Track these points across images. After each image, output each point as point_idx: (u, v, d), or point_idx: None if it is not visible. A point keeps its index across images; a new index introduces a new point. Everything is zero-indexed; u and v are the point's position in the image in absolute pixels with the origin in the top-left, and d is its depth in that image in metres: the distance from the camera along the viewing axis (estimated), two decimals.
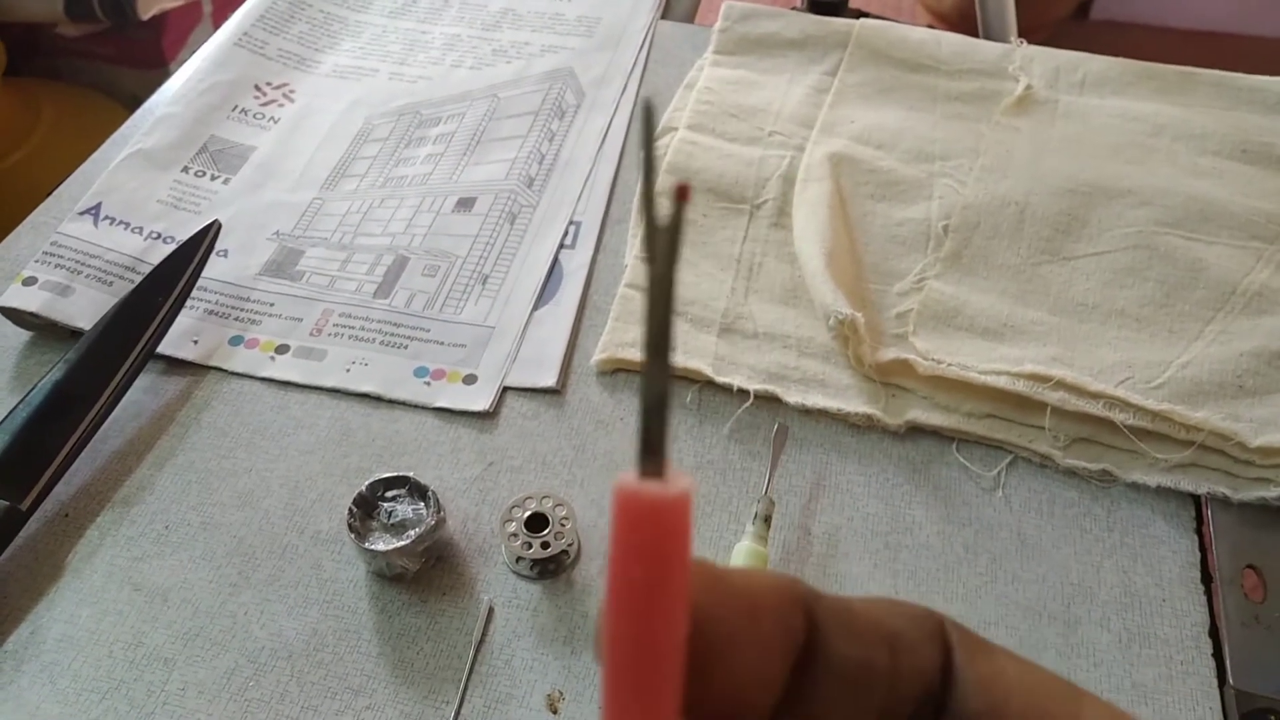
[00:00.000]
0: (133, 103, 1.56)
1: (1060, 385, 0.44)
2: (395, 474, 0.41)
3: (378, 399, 0.47)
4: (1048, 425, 0.44)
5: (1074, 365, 0.46)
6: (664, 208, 0.14)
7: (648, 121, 0.15)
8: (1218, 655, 0.39)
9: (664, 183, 0.55)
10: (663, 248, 0.14)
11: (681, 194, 0.14)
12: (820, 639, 0.16)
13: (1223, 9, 1.97)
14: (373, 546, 0.39)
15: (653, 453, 0.14)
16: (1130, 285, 0.50)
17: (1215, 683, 0.38)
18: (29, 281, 0.50)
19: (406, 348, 0.49)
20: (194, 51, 1.61)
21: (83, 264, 0.51)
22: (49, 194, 0.58)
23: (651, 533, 0.13)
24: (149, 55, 1.51)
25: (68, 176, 0.58)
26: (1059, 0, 1.93)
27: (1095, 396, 0.44)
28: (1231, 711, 0.37)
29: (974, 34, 0.69)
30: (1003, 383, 0.45)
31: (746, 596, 0.15)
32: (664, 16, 0.71)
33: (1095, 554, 0.42)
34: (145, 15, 1.40)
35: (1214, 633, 0.39)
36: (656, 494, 0.13)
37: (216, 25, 1.57)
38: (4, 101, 1.38)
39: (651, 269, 0.14)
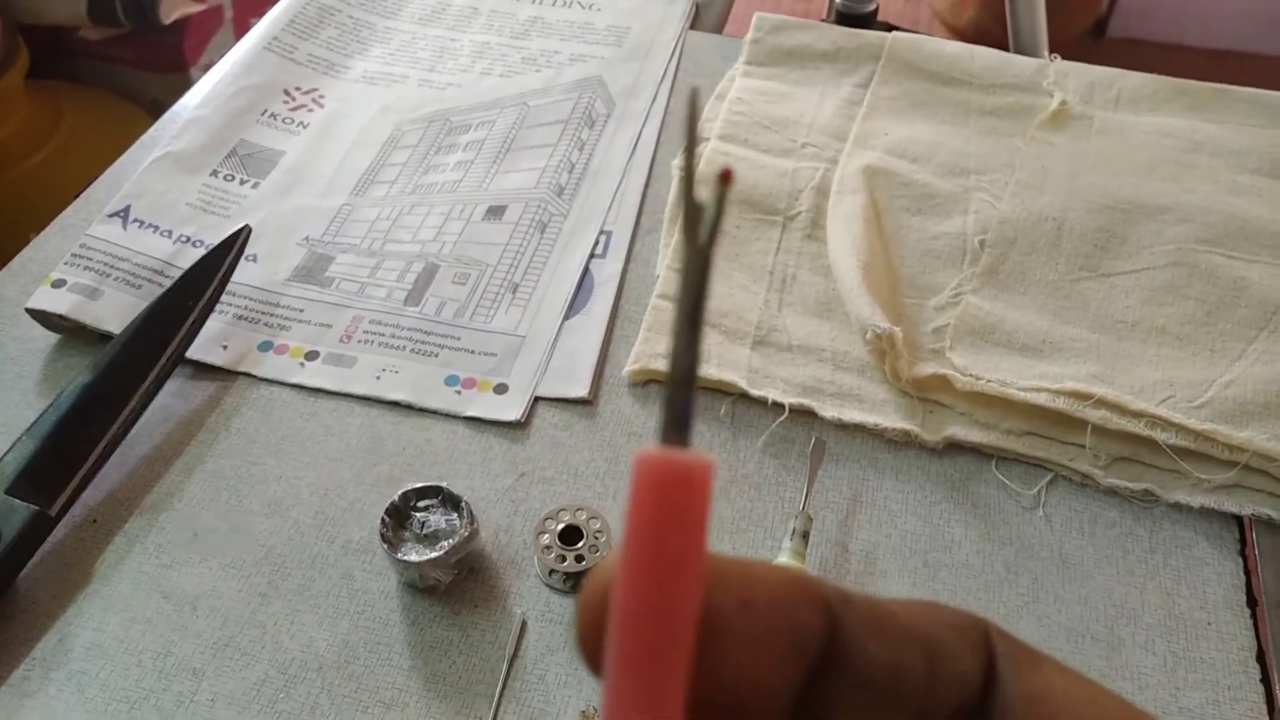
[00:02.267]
0: (153, 106, 1.57)
1: (1101, 403, 0.44)
2: (428, 484, 0.40)
3: (408, 407, 0.47)
4: (1088, 444, 0.44)
5: (1114, 383, 0.45)
6: (705, 193, 0.14)
7: (692, 108, 0.16)
8: (1265, 681, 0.38)
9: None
10: (705, 226, 0.14)
11: (725, 178, 0.14)
12: (846, 641, 0.15)
13: (1239, 28, 1.97)
14: (405, 557, 0.38)
15: (678, 425, 0.14)
16: (1170, 303, 0.49)
17: (1265, 709, 0.37)
18: (58, 284, 0.49)
19: (437, 356, 0.48)
20: (215, 56, 1.61)
21: (112, 266, 0.50)
22: (75, 196, 0.58)
23: (674, 500, 0.13)
24: (170, 59, 1.51)
25: (89, 178, 0.58)
26: (1075, 18, 1.93)
27: (1137, 415, 0.44)
28: None
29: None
30: (1042, 400, 0.44)
31: (742, 587, 0.14)
32: (693, 27, 0.70)
33: (1138, 575, 0.41)
34: (167, 19, 1.41)
35: (1261, 657, 0.39)
36: (681, 460, 0.13)
37: (237, 31, 1.58)
38: (27, 103, 1.38)
39: (689, 249, 0.14)
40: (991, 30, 2.05)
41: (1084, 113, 0.60)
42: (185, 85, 1.61)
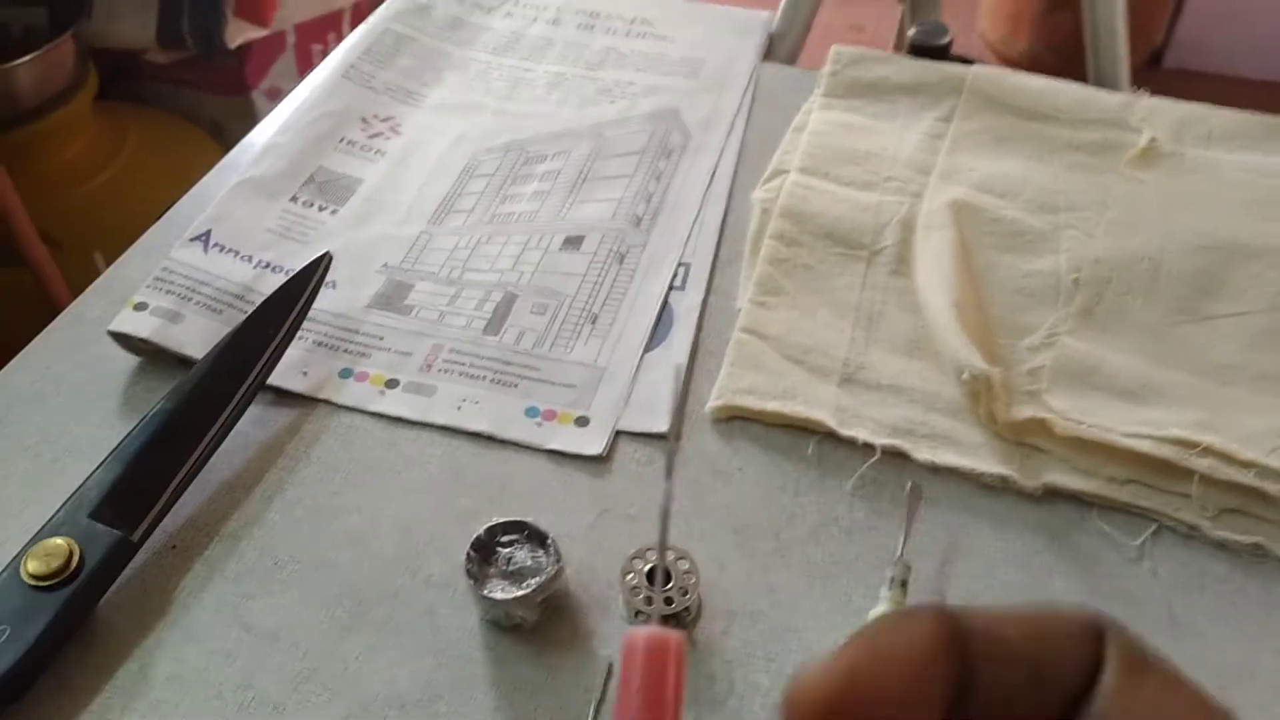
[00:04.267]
0: (213, 128, 1.59)
1: (1208, 452, 0.42)
2: (513, 519, 0.39)
3: (489, 438, 0.46)
4: (1195, 493, 0.42)
5: (1221, 431, 0.43)
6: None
7: (681, 384, 0.22)
8: None
9: (779, 226, 0.54)
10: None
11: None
12: (973, 675, 0.16)
13: None
14: (491, 594, 0.37)
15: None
16: (1275, 348, 0.47)
17: None
18: (140, 307, 0.49)
19: (517, 386, 0.48)
20: (277, 81, 1.63)
21: (193, 291, 0.50)
22: (156, 217, 0.58)
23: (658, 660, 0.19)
24: (232, 83, 1.54)
25: (153, 199, 0.58)
26: (1131, 50, 1.90)
27: (1246, 466, 0.42)
28: None
29: None
30: (1146, 447, 0.43)
31: (904, 663, 0.16)
32: (765, 59, 0.70)
33: (1252, 635, 0.39)
34: (232, 44, 1.43)
35: None
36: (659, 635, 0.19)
37: (299, 56, 1.60)
38: (94, 124, 1.41)
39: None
40: (1045, 60, 2.03)
41: (1175, 150, 0.58)
42: (247, 108, 1.63)
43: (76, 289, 1.36)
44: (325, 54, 1.73)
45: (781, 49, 0.74)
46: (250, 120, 1.58)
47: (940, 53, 0.73)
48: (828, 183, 0.56)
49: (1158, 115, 0.60)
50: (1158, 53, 2.02)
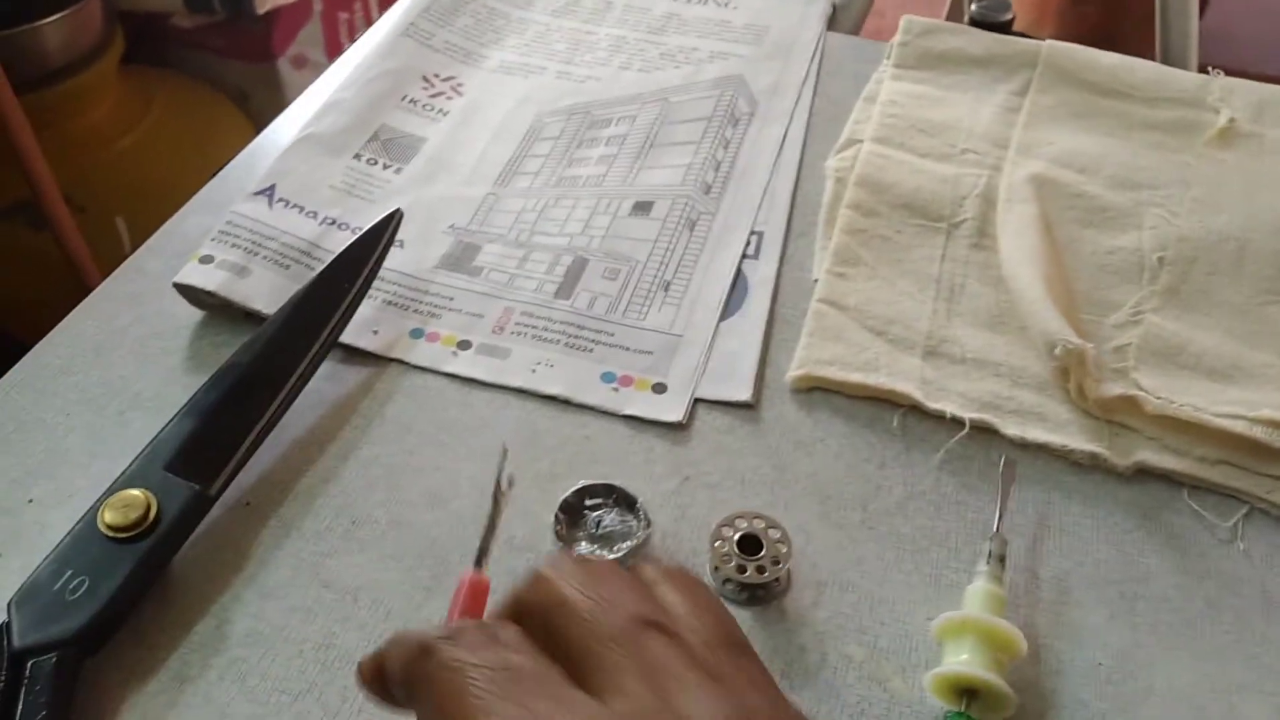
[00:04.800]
0: (239, 95, 1.58)
1: None
2: (600, 482, 0.39)
3: (565, 402, 0.45)
4: None
5: None
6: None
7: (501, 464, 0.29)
8: None
9: (855, 196, 0.53)
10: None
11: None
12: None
13: None
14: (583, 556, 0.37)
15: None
16: None
17: None
18: (206, 259, 0.48)
19: (592, 351, 0.47)
20: (303, 48, 1.61)
21: (259, 245, 0.49)
22: (182, 183, 0.56)
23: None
24: (258, 49, 1.52)
25: (177, 163, 0.58)
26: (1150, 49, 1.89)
27: None
28: None
29: None
30: (1239, 427, 0.42)
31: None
32: (830, 29, 0.68)
33: None
34: (261, 9, 1.41)
35: None
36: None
37: (325, 24, 1.59)
38: (119, 87, 1.40)
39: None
40: (1081, 39, 2.01)
41: (1254, 131, 0.57)
42: (273, 75, 1.62)
43: (99, 254, 1.34)
44: (352, 23, 1.70)
45: (845, 19, 0.72)
46: (276, 88, 1.57)
47: (1002, 29, 0.72)
48: (904, 153, 0.55)
49: (1235, 95, 0.59)
50: None
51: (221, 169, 0.57)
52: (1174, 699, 0.36)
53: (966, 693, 0.34)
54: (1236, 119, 0.57)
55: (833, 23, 0.70)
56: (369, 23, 1.67)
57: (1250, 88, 0.60)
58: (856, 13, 0.74)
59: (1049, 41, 0.62)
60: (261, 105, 1.57)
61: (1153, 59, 0.71)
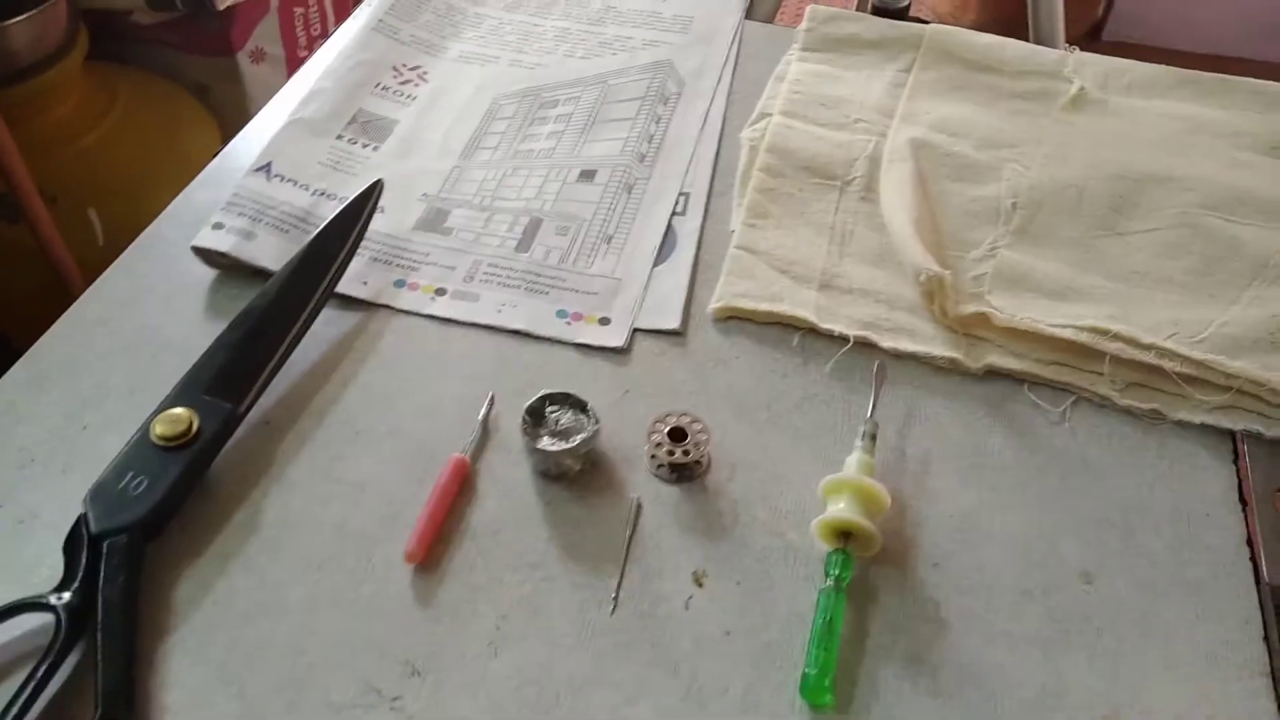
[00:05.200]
0: (198, 89, 1.63)
1: (1117, 338, 0.52)
2: (558, 391, 0.48)
3: (527, 335, 0.54)
4: (1106, 371, 0.52)
5: (1128, 322, 0.53)
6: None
7: None
8: (1253, 559, 0.46)
9: (765, 161, 0.63)
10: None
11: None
12: None
13: (1231, 34, 2.06)
14: (545, 448, 0.46)
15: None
16: (1176, 257, 0.57)
17: (1253, 580, 0.45)
18: (217, 226, 0.57)
19: (548, 294, 0.56)
20: (260, 42, 1.67)
21: (262, 213, 0.58)
22: (148, 174, 0.65)
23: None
24: (217, 44, 1.58)
25: (142, 156, 0.65)
26: (1071, 23, 2.01)
27: (1147, 348, 0.52)
28: (1267, 601, 0.44)
29: None
30: (1068, 334, 0.52)
31: None
32: (747, 17, 0.78)
33: (1148, 477, 0.49)
34: (220, 6, 1.48)
35: (1249, 541, 0.47)
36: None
37: (282, 19, 1.65)
38: (85, 84, 1.45)
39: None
40: (991, 31, 2.14)
41: (1100, 97, 0.68)
42: (232, 69, 1.67)
43: (72, 243, 1.40)
44: (307, 17, 1.76)
45: (761, 8, 0.82)
46: (236, 81, 1.64)
47: (900, 14, 0.82)
48: (806, 124, 0.65)
49: (1086, 68, 0.70)
50: (1097, 26, 2.13)
51: (188, 157, 0.66)
52: (1009, 542, 0.47)
53: (844, 535, 0.44)
54: (1086, 87, 0.68)
55: (750, 11, 0.79)
56: (324, 18, 1.74)
57: (1099, 60, 0.70)
58: (770, 3, 0.84)
59: (932, 25, 0.72)
60: (221, 98, 1.63)
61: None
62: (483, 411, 0.50)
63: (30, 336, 0.54)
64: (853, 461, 0.47)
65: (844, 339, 0.53)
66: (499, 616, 0.43)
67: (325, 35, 1.70)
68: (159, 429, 0.46)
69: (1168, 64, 0.70)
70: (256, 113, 0.67)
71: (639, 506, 0.47)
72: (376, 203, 0.57)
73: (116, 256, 0.58)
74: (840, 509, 0.44)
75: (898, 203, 0.58)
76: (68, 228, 1.32)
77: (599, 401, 0.51)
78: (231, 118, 1.61)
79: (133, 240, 0.59)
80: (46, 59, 1.37)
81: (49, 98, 1.40)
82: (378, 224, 0.59)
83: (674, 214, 0.61)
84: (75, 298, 0.56)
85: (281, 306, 0.52)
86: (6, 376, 0.52)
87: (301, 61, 1.80)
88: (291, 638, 0.42)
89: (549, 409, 0.48)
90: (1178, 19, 2.10)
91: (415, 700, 0.40)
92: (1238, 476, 0.49)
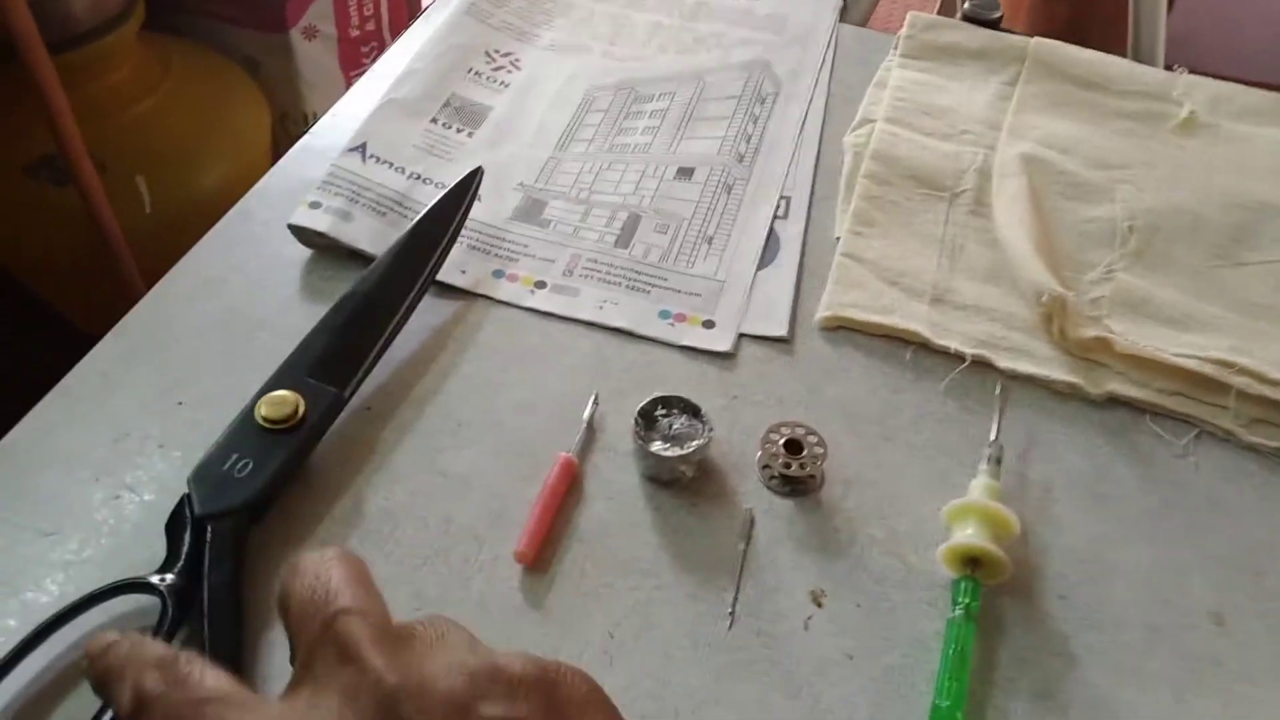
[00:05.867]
0: (249, 64, 1.63)
1: (1243, 371, 0.50)
2: (670, 395, 0.47)
3: (629, 334, 0.53)
4: (1231, 405, 0.50)
5: (1252, 355, 0.51)
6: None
7: None
8: None
9: (871, 168, 0.61)
10: None
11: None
12: None
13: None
14: (658, 452, 0.45)
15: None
16: None
17: None
18: (314, 205, 0.56)
19: (649, 293, 0.55)
20: (314, 20, 1.66)
21: (359, 194, 0.57)
22: (197, 145, 0.63)
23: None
24: (271, 19, 1.57)
25: (192, 128, 0.63)
26: (1115, 43, 2.00)
27: (1274, 383, 0.50)
28: None
29: None
30: (1192, 364, 0.51)
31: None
32: (840, 20, 0.77)
33: (1274, 516, 0.47)
34: None
35: None
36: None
37: None
38: (139, 53, 1.44)
39: None
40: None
41: (1210, 122, 0.66)
42: (284, 45, 1.66)
43: (119, 210, 1.39)
44: None
45: (854, 12, 0.80)
46: (287, 58, 1.63)
47: (991, 26, 0.80)
48: (911, 132, 0.63)
49: (1195, 90, 0.68)
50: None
51: (236, 132, 0.64)
52: (1135, 577, 0.45)
53: (971, 561, 0.42)
54: (1196, 111, 0.66)
55: (843, 15, 0.78)
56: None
57: (1208, 84, 0.69)
58: (864, 7, 0.82)
59: (1036, 39, 0.71)
60: (272, 74, 1.62)
61: (1123, 55, 0.79)
62: (588, 411, 0.48)
63: (72, 301, 0.53)
64: (978, 485, 0.45)
65: (959, 357, 0.52)
66: (611, 624, 0.42)
67: (378, 16, 1.69)
68: (265, 410, 0.45)
69: None
70: (307, 91, 0.66)
71: (753, 519, 0.45)
72: (477, 190, 0.55)
73: (162, 225, 0.57)
74: (969, 534, 0.43)
75: (1013, 219, 0.56)
76: (115, 195, 1.31)
77: (706, 407, 0.49)
78: (281, 94, 1.60)
79: (180, 210, 0.58)
80: (104, 25, 1.36)
81: (104, 64, 1.39)
82: (475, 211, 0.58)
83: (775, 217, 0.60)
84: (121, 264, 0.54)
85: (385, 291, 0.50)
86: (99, 347, 0.51)
87: (354, 41, 1.78)
88: None
89: (659, 412, 0.47)
90: (1229, 43, 2.09)
91: None
92: None
